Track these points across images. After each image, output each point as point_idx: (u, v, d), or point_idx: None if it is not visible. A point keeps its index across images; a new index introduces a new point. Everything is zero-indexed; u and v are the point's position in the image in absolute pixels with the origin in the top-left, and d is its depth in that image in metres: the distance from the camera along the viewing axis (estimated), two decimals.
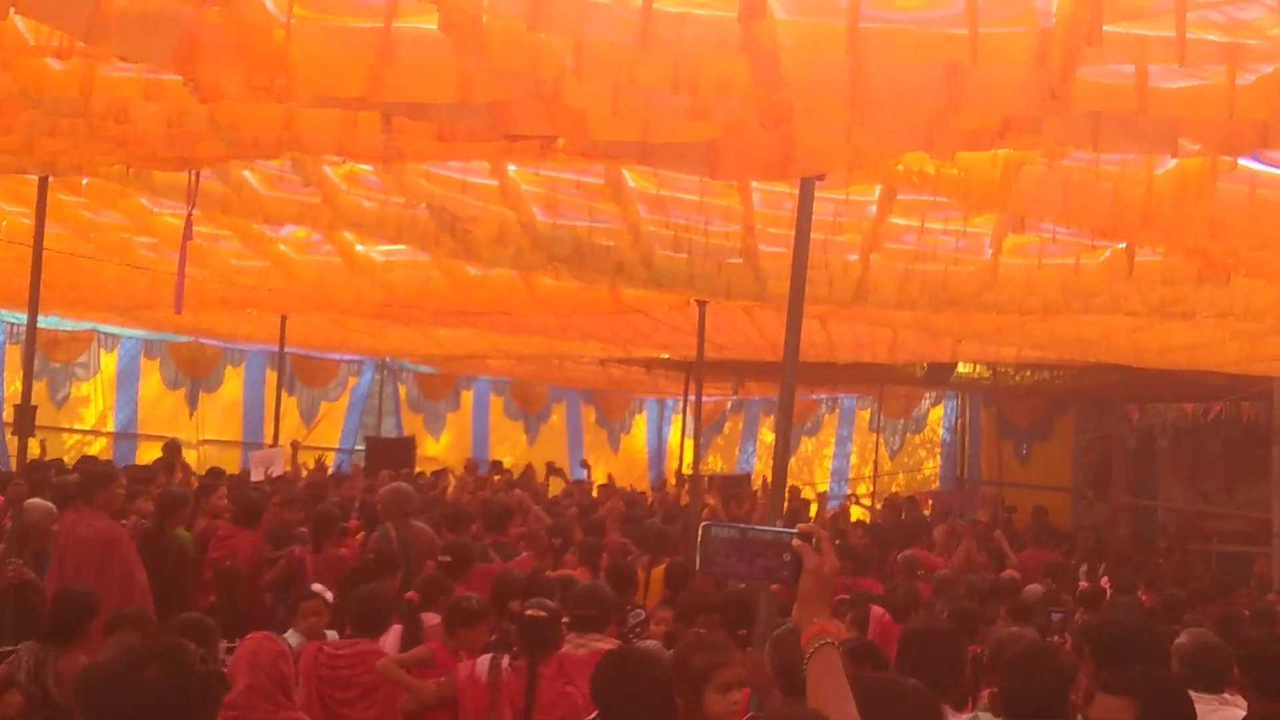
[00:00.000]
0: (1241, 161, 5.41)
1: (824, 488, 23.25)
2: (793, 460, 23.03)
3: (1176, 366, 13.13)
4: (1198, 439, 18.66)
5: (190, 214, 7.64)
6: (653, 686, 4.33)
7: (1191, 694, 5.49)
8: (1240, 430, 17.24)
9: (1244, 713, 5.32)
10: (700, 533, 2.94)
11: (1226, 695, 5.71)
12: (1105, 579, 13.12)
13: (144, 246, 10.31)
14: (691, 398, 14.10)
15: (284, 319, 14.86)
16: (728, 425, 26.40)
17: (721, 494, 17.27)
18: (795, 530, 2.93)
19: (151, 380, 20.24)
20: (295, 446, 17.83)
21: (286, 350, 16.21)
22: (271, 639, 6.47)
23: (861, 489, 22.87)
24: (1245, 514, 17.61)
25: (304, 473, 17.19)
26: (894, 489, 22.01)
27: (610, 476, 20.50)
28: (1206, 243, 6.11)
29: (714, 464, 25.40)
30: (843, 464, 24.39)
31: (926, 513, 18.84)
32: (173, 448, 17.45)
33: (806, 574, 2.86)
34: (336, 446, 22.27)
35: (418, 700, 6.50)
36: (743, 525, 3.11)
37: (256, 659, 6.07)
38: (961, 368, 19.23)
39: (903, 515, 17.36)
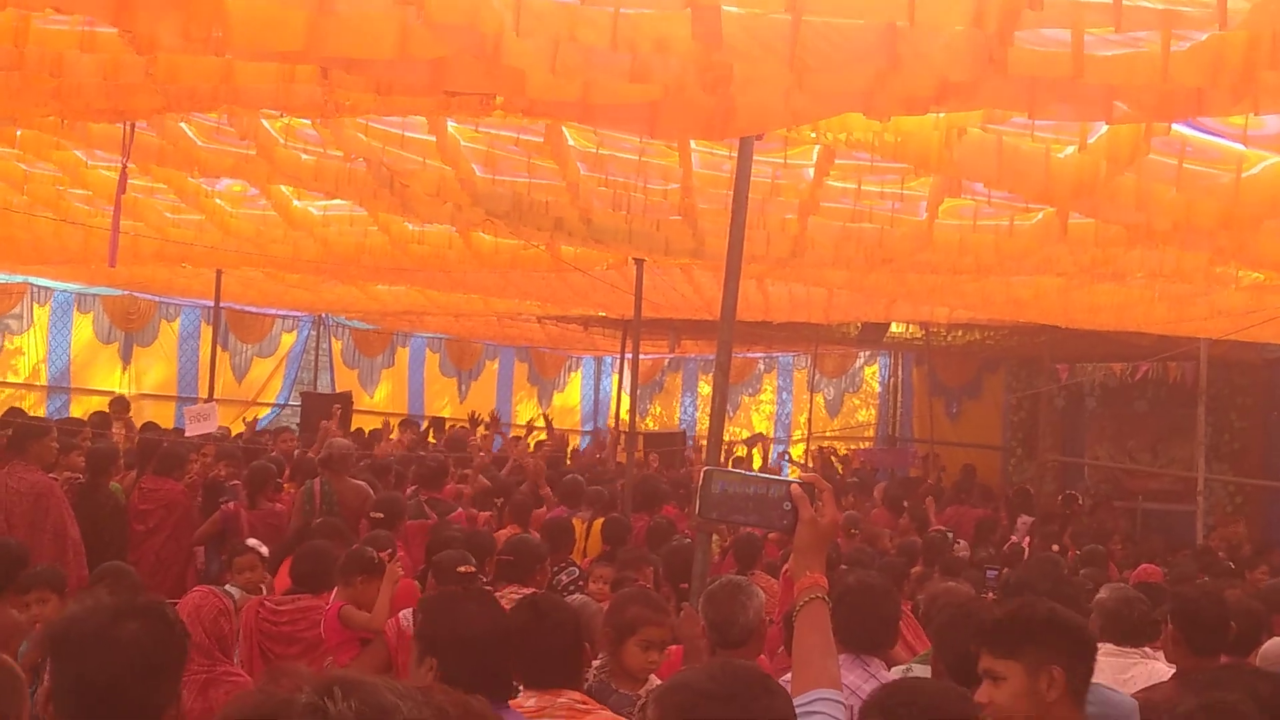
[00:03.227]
0: (1177, 127, 5.50)
1: (766, 429, 23.47)
2: (736, 416, 23.24)
3: (1105, 327, 13.33)
4: (1125, 398, 18.96)
5: (125, 166, 7.54)
6: (560, 632, 4.31)
7: (1112, 647, 5.65)
8: (1166, 390, 17.53)
9: (1166, 667, 5.43)
10: (701, 478, 2.91)
11: (1148, 649, 5.84)
12: (1027, 539, 13.28)
13: (78, 199, 10.17)
14: (629, 355, 14.14)
15: (219, 274, 14.69)
16: (666, 381, 26.50)
17: (659, 452, 17.40)
18: (796, 480, 2.92)
19: (84, 334, 20.01)
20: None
21: (221, 305, 16.03)
22: (214, 594, 6.44)
23: (796, 451, 23.06)
24: (1170, 472, 17.92)
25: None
26: (830, 445, 22.20)
27: (547, 418, 20.60)
28: (1133, 213, 6.20)
29: (653, 421, 25.53)
30: (785, 414, 24.56)
31: (843, 469, 19.09)
32: (120, 404, 17.31)
33: (803, 525, 2.85)
34: (272, 402, 22.15)
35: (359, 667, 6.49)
36: (743, 472, 3.08)
37: (198, 614, 6.05)
38: (895, 328, 19.41)
39: (839, 472, 17.56)
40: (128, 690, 2.60)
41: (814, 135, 5.89)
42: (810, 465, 20.03)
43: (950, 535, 11.64)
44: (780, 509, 2.87)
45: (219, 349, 17.49)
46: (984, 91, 4.09)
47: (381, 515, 8.81)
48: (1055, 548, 11.95)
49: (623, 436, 15.87)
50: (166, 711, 2.66)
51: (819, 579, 2.86)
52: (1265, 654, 5.89)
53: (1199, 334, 13.72)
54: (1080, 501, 16.98)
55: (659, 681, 4.88)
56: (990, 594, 8.51)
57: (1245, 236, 6.88)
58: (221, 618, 6.22)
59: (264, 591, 7.56)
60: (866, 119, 5.41)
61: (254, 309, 20.64)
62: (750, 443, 20.09)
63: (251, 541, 8.05)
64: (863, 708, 3.00)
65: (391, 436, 17.68)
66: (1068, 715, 3.42)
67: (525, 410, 24.92)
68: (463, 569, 6.48)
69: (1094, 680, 4.52)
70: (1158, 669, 5.50)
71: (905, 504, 13.96)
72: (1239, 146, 5.74)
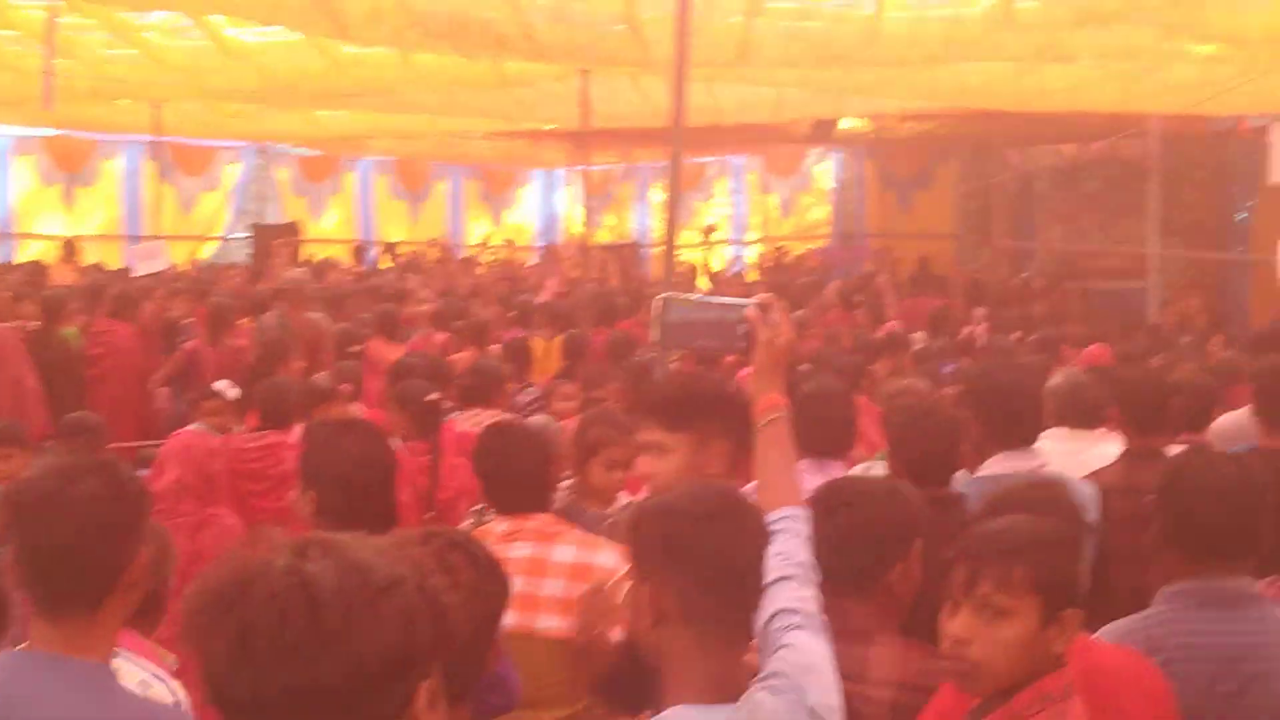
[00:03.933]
0: None
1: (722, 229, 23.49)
2: (690, 221, 23.18)
3: (1056, 109, 13.26)
4: (1075, 180, 18.98)
5: (55, 4, 7.32)
6: (530, 456, 4.36)
7: (1065, 431, 5.75)
8: (1117, 168, 17.54)
9: (1119, 447, 5.53)
10: (657, 305, 2.91)
11: (1103, 430, 5.95)
12: (983, 325, 13.30)
13: (8, 41, 9.88)
14: (580, 167, 14.02)
15: (158, 108, 14.40)
16: (618, 191, 26.31)
17: (603, 264, 17.38)
18: (750, 301, 2.90)
19: (25, 177, 19.72)
20: None
21: (162, 140, 15.74)
22: (201, 435, 6.45)
23: (753, 253, 23.10)
24: (1121, 249, 18.05)
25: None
26: (784, 246, 22.24)
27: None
28: None
29: (607, 233, 25.46)
30: (739, 216, 24.50)
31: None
32: (69, 248, 17.15)
33: (760, 346, 2.84)
34: (219, 236, 21.97)
35: None
36: (698, 297, 3.08)
37: (188, 454, 6.08)
38: (845, 123, 19.27)
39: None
40: (81, 551, 2.62)
41: None
42: (765, 266, 20.06)
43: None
44: (736, 331, 2.87)
45: (163, 185, 17.26)
46: None
47: (358, 349, 8.84)
48: (1016, 335, 11.98)
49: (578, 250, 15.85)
50: (126, 569, 2.68)
51: (778, 399, 2.87)
52: (1216, 429, 6.02)
53: (1149, 110, 13.70)
54: (1035, 284, 17.12)
55: (628, 499, 4.96)
56: (946, 388, 8.61)
57: (1194, 10, 6.83)
58: (210, 458, 6.25)
59: (233, 432, 7.60)
60: None
61: (195, 141, 20.29)
62: (706, 234, 20.03)
63: (220, 384, 8.03)
64: (809, 503, 3.02)
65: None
66: None
67: (479, 229, 24.77)
68: (429, 398, 6.50)
69: (1050, 466, 4.61)
70: (1110, 451, 5.60)
71: (859, 299, 14.02)
72: None
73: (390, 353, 9.65)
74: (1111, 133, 15.94)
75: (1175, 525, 3.46)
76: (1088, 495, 4.35)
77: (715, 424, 3.37)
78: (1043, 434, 4.92)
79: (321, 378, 8.23)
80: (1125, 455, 5.19)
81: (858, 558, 3.16)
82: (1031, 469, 4.39)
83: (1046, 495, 3.53)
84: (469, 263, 20.23)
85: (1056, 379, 6.15)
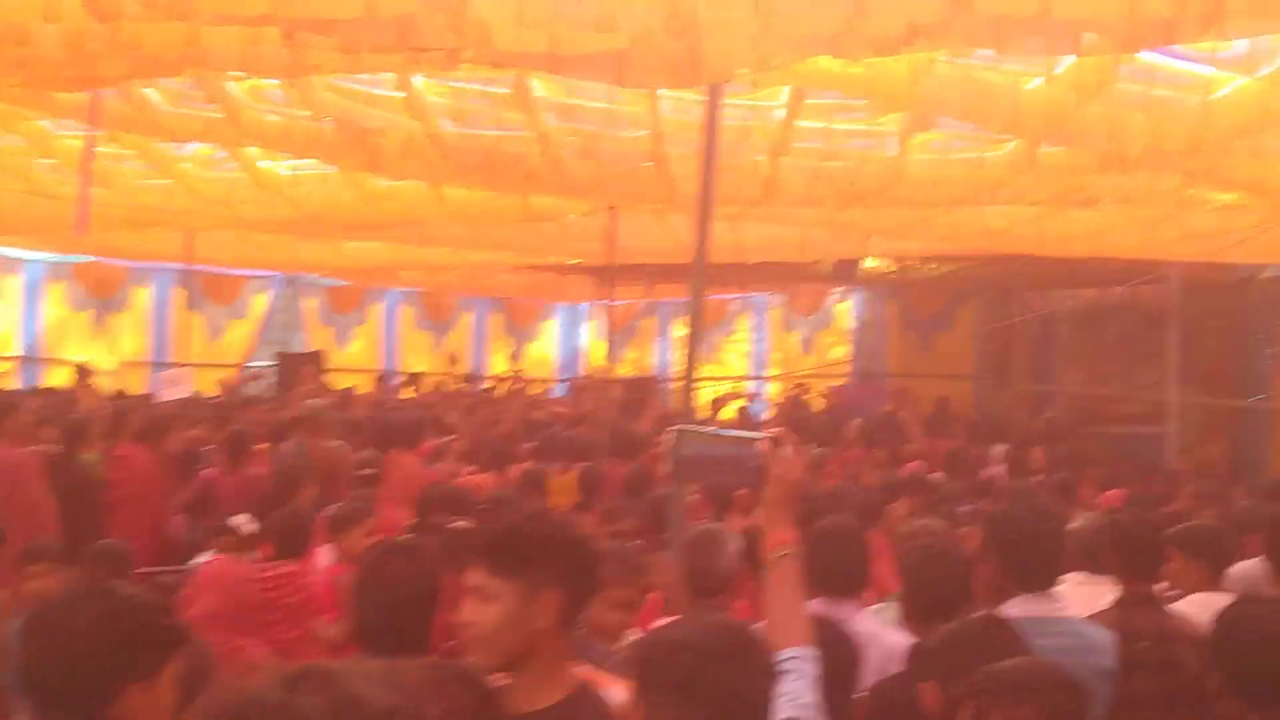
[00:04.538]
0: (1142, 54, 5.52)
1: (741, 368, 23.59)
2: (712, 357, 23.28)
3: (1077, 254, 13.36)
4: (1096, 324, 19.02)
5: (92, 134, 7.50)
6: None
7: (1085, 576, 5.71)
8: (1137, 315, 17.60)
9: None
10: (671, 438, 2.94)
11: None
12: (1002, 466, 13.25)
13: (46, 169, 10.11)
14: (604, 302, 14.13)
15: (190, 237, 14.64)
16: (641, 327, 26.49)
17: (623, 399, 17.38)
18: (763, 435, 2.93)
19: (56, 303, 19.94)
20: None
21: (193, 268, 15.96)
22: (236, 562, 6.42)
23: (773, 391, 23.15)
24: (1141, 395, 18.03)
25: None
26: (804, 383, 22.28)
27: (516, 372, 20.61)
28: (1104, 141, 6.23)
29: (628, 367, 25.56)
30: (760, 353, 24.64)
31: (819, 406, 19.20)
32: (84, 372, 17.26)
33: (772, 480, 2.86)
34: (245, 364, 22.12)
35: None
36: (713, 429, 3.10)
37: (221, 582, 6.05)
38: (868, 263, 19.43)
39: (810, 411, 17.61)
40: (71, 673, 2.68)
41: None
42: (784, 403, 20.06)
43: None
44: (749, 465, 2.88)
45: (192, 313, 17.44)
46: (953, 30, 4.10)
47: (373, 472, 8.83)
48: (1035, 478, 11.96)
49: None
50: (123, 692, 2.71)
51: (789, 534, 2.88)
52: (1232, 576, 5.97)
53: (1170, 257, 13.79)
54: (1060, 427, 17.08)
55: (635, 635, 4.93)
56: (965, 529, 8.55)
57: (1215, 159, 6.92)
58: (241, 586, 6.21)
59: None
60: (835, 60, 5.42)
61: (226, 271, 20.55)
62: (720, 402, 20.18)
63: (237, 519, 7.99)
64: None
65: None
66: (553, 645, 2.98)
67: (501, 361, 24.90)
68: (452, 526, 6.50)
69: (1068, 613, 4.58)
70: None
71: (878, 438, 14.00)
72: (1207, 70, 5.77)
73: (408, 463, 9.65)
74: (1132, 278, 16.02)
75: (1237, 674, 3.42)
76: (1107, 641, 4.32)
77: (547, 572, 3.02)
78: (1062, 578, 4.89)
79: (336, 507, 8.22)
80: (1120, 601, 5.15)
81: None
82: (1050, 612, 4.37)
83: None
84: (489, 393, 20.29)
85: (1076, 524, 6.12)
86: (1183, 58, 5.78)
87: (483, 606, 3.01)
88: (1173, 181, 8.56)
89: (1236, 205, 9.10)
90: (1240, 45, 5.54)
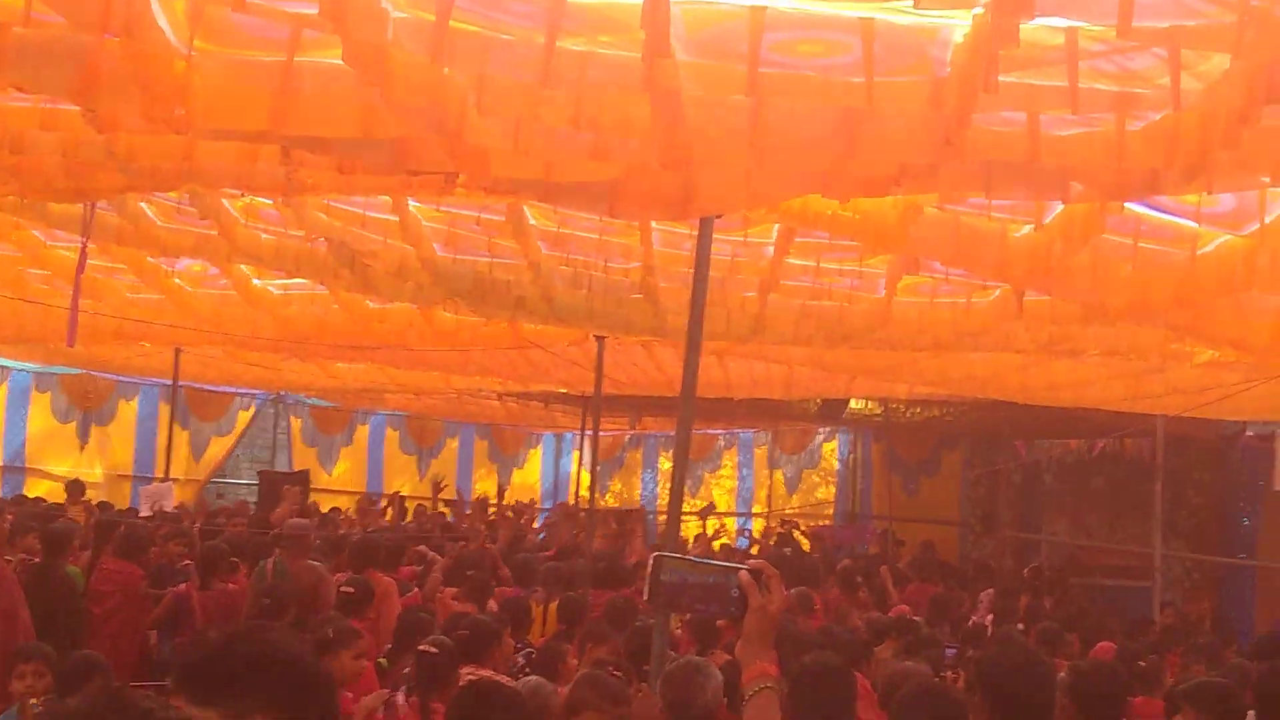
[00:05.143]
0: (1131, 206, 5.58)
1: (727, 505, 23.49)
2: (698, 492, 23.22)
3: (1063, 404, 13.41)
4: (1082, 475, 19.04)
5: (85, 246, 7.52)
6: (504, 717, 4.28)
7: None
8: (1123, 467, 17.61)
9: None
10: (650, 564, 2.89)
11: None
12: (989, 616, 13.20)
13: (37, 279, 10.14)
14: (589, 432, 14.12)
15: (178, 352, 14.64)
16: (626, 458, 26.48)
17: (609, 530, 17.30)
18: (744, 566, 2.90)
19: (42, 412, 19.88)
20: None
21: (180, 384, 15.94)
22: None
23: (757, 527, 23.05)
24: (1126, 548, 17.98)
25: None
26: (788, 521, 22.19)
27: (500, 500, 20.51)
28: (1089, 291, 6.27)
29: (613, 498, 25.48)
30: (745, 490, 24.60)
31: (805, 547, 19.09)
32: (77, 487, 17.14)
33: (752, 612, 2.82)
34: (219, 478, 22.05)
35: None
36: (694, 558, 3.06)
37: None
38: (854, 404, 19.48)
39: (787, 550, 17.51)
40: None
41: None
42: (772, 541, 19.97)
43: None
44: (729, 595, 2.85)
45: (177, 428, 17.39)
46: (942, 173, 4.14)
47: (353, 590, 8.74)
48: (1019, 625, 11.90)
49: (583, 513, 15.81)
50: None
51: (768, 668, 2.84)
52: None
53: (1155, 410, 13.83)
54: (1047, 575, 17.01)
55: None
56: (949, 673, 8.47)
57: (1200, 314, 6.96)
58: None
59: None
60: (825, 199, 5.47)
61: (212, 387, 20.55)
62: (702, 514, 20.09)
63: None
64: None
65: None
66: None
67: (485, 488, 24.83)
68: (423, 649, 6.41)
69: None
70: None
71: (860, 580, 13.90)
72: (1193, 224, 5.82)
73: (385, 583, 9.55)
74: (1118, 430, 16.07)
75: None
76: None
77: (255, 699, 2.63)
78: None
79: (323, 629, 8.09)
80: None
81: None
82: None
83: None
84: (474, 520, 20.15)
85: (1064, 674, 6.08)
86: (1169, 211, 5.84)
87: None
88: (1158, 335, 8.62)
89: (1221, 361, 9.14)
90: (1226, 201, 5.61)
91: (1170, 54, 3.61)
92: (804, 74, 3.98)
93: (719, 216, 6.29)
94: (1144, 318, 7.27)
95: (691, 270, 6.51)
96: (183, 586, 10.35)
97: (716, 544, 17.87)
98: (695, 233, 6.55)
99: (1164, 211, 5.85)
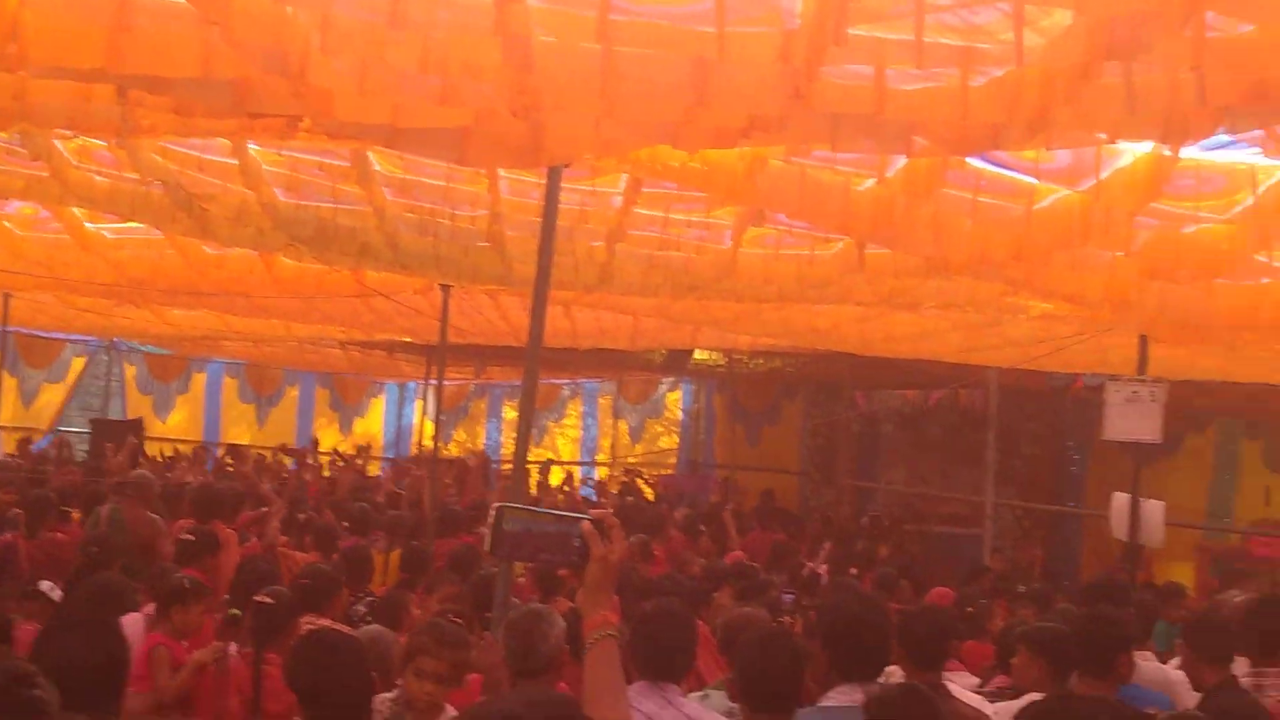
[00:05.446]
0: (971, 161, 5.70)
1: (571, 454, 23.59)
2: (542, 442, 23.25)
3: (901, 355, 13.69)
4: (918, 425, 19.50)
5: None
6: (345, 667, 4.26)
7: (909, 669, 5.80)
8: (958, 417, 18.08)
9: (969, 682, 5.59)
10: (492, 514, 2.88)
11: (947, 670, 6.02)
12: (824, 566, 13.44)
13: None
14: (434, 381, 14.02)
15: (7, 297, 14.13)
16: (471, 408, 26.38)
17: (451, 479, 17.26)
18: (586, 516, 2.91)
19: None
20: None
21: (9, 329, 15.39)
22: None
23: (602, 474, 23.20)
24: (959, 497, 18.48)
25: None
26: (631, 470, 22.36)
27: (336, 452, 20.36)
28: (931, 245, 6.40)
29: (456, 448, 25.37)
30: (590, 439, 24.70)
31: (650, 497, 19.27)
32: None
33: (594, 562, 2.83)
34: (56, 429, 21.38)
35: (157, 698, 6.28)
36: (535, 508, 3.05)
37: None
38: (698, 355, 19.65)
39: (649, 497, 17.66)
40: None
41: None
42: (617, 490, 20.12)
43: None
44: (571, 545, 2.86)
45: (6, 375, 16.82)
46: (790, 126, 4.17)
47: (194, 538, 8.59)
48: (853, 570, 12.17)
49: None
50: None
51: (610, 616, 2.87)
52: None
53: (991, 362, 14.20)
54: (884, 524, 17.43)
55: (454, 712, 4.85)
56: (787, 618, 8.63)
57: (1035, 268, 7.14)
58: None
59: None
60: (674, 150, 5.48)
61: (43, 333, 19.90)
62: (544, 467, 20.19)
63: (44, 585, 7.67)
64: None
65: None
66: None
67: (326, 437, 24.51)
68: (259, 599, 6.31)
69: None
70: (954, 687, 5.66)
71: (702, 528, 14.07)
72: (1031, 180, 5.97)
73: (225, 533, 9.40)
74: (954, 382, 16.47)
75: None
76: None
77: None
78: (885, 670, 4.96)
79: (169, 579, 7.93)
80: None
81: None
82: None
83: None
84: (316, 469, 19.91)
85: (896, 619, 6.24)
86: (1008, 167, 5.97)
87: None
88: (995, 289, 8.82)
89: (1055, 314, 9.39)
90: (1063, 157, 5.76)
91: (1014, 9, 3.69)
92: (655, 23, 3.97)
93: (568, 165, 6.26)
94: (983, 272, 7.44)
95: (539, 219, 6.47)
96: (9, 535, 10.06)
97: (560, 496, 17.93)
98: (544, 181, 6.51)
99: (1003, 167, 5.99)
